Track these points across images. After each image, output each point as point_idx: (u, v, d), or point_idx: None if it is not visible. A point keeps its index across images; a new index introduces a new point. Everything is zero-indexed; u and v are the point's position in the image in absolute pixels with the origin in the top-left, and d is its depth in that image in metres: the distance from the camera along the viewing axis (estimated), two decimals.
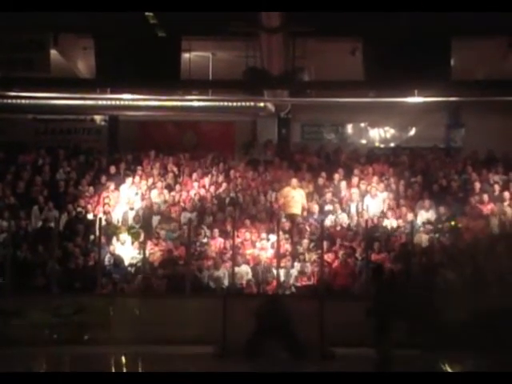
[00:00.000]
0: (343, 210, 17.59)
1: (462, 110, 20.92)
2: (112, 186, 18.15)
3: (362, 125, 21.88)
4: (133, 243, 16.61)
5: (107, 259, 16.07)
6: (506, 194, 17.42)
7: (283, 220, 16.95)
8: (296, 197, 17.44)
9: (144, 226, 16.69)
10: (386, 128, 21.79)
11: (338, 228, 16.97)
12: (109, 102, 18.38)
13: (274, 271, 15.55)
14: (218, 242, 16.56)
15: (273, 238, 16.35)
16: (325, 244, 15.79)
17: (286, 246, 16.35)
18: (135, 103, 18.31)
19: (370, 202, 17.68)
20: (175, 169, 19.08)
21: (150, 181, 18.55)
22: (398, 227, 16.81)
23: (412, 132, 21.63)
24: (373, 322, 11.07)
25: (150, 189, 18.32)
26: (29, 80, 16.51)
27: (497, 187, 17.76)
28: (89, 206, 17.65)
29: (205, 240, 16.60)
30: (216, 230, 16.73)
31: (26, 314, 14.51)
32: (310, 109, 20.20)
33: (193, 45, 16.61)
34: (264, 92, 18.20)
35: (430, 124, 21.01)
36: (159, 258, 16.15)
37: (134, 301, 14.97)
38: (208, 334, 14.03)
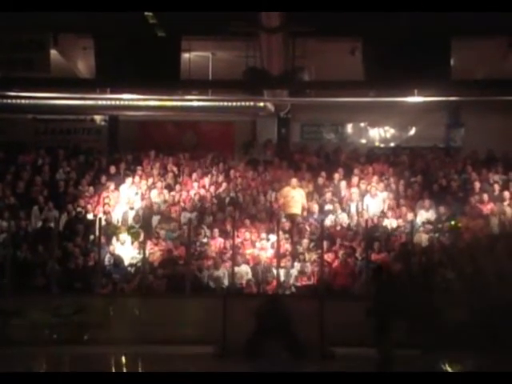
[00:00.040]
0: (343, 210, 17.58)
1: (462, 110, 20.90)
2: (112, 186, 18.14)
3: (362, 124, 21.86)
4: (133, 243, 16.60)
5: (107, 259, 16.06)
6: (506, 194, 17.41)
7: (283, 220, 16.95)
8: (296, 197, 17.43)
9: (144, 225, 16.68)
10: (386, 128, 21.78)
11: (338, 228, 16.96)
12: (109, 102, 18.35)
13: (274, 271, 15.54)
14: (218, 242, 16.56)
15: (273, 237, 16.35)
16: (325, 244, 15.78)
17: (286, 246, 16.34)
18: (135, 103, 18.29)
19: (370, 201, 17.67)
20: (175, 169, 19.07)
21: (150, 181, 18.54)
22: (398, 227, 16.80)
23: (412, 132, 21.62)
24: (373, 321, 11.08)
25: (149, 189, 18.32)
26: (29, 80, 16.50)
27: (497, 187, 17.74)
28: (89, 206, 17.64)
29: (205, 240, 16.59)
30: (216, 230, 16.72)
31: (26, 314, 14.50)
32: (310, 109, 20.18)
33: (193, 45, 16.60)
34: (264, 92, 18.19)
35: (430, 124, 21.00)
36: (159, 257, 16.15)
37: (134, 301, 14.97)
38: (208, 334, 14.04)
